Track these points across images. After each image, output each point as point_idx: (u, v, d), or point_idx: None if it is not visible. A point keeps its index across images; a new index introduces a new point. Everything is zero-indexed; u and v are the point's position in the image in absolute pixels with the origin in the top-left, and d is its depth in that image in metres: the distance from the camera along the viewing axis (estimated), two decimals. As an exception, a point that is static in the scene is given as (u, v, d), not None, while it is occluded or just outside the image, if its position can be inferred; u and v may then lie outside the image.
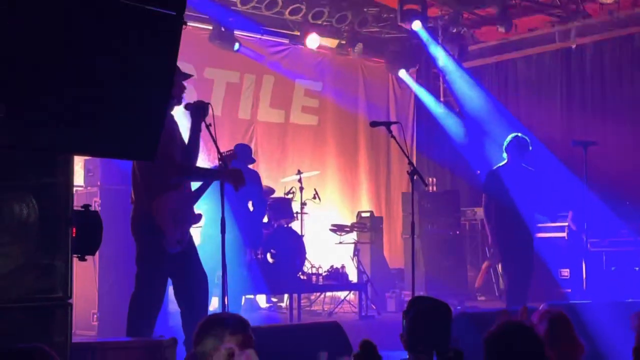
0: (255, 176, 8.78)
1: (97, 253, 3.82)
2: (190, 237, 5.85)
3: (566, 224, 9.86)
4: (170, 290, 8.20)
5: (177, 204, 5.65)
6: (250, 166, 8.99)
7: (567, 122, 11.54)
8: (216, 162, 6.05)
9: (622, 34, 11.12)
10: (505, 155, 8.04)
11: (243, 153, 8.32)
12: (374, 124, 7.50)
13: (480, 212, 12.18)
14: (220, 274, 5.54)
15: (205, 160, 9.55)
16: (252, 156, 9.15)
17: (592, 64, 11.37)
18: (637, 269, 9.41)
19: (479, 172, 12.21)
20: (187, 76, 5.80)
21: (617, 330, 5.76)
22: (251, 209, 8.68)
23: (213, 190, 5.98)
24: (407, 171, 6.83)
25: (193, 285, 5.74)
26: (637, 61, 10.81)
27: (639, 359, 3.49)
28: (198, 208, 8.04)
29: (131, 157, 4.10)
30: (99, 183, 7.68)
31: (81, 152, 3.71)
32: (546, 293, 8.50)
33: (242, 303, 9.25)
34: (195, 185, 5.94)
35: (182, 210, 5.70)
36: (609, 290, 8.98)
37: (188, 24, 10.19)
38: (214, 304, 8.62)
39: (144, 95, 3.23)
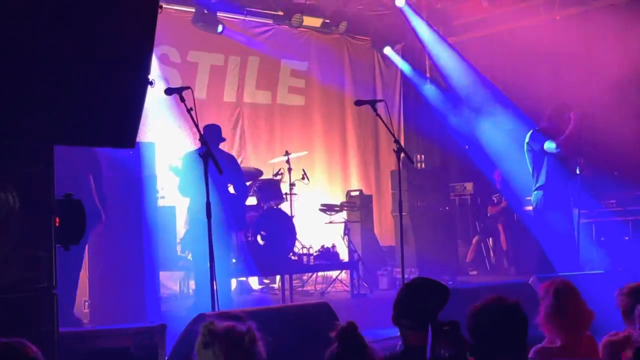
0: (231, 159, 8.34)
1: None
2: None
3: None
4: (162, 275, 8.25)
5: None
6: (235, 152, 8.81)
7: (554, 93, 11.51)
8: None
9: (605, 4, 11.09)
10: None
11: (211, 134, 7.85)
12: (358, 103, 7.45)
13: (469, 187, 12.22)
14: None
15: (192, 144, 9.52)
16: (222, 136, 8.36)
17: (577, 35, 11.33)
18: (626, 238, 9.43)
19: (467, 147, 12.20)
20: None
21: (608, 301, 5.78)
22: (232, 192, 8.36)
23: (198, 175, 5.96)
24: (394, 149, 6.82)
25: None
26: (621, 31, 10.77)
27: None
28: (185, 194, 8.01)
29: (111, 145, 4.07)
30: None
31: (62, 142, 3.66)
32: (535, 265, 8.50)
33: (234, 286, 9.26)
34: None
35: None
36: (599, 260, 9.02)
37: (171, 7, 10.15)
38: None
39: (121, 81, 3.20)
